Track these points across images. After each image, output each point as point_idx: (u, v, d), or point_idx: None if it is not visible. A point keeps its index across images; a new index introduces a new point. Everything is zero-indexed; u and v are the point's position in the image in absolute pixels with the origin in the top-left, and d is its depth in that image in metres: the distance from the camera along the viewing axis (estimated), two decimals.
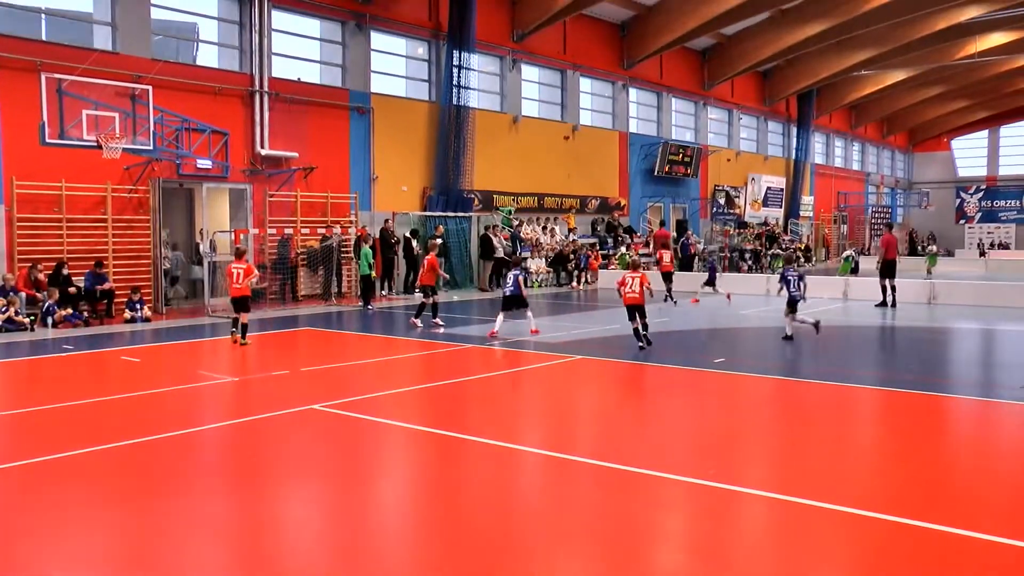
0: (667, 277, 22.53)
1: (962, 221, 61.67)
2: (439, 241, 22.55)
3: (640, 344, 14.12)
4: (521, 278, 16.34)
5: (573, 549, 5.66)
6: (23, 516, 6.26)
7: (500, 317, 15.85)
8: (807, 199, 49.31)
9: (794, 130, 48.10)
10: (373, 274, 22.03)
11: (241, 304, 14.97)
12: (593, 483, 7.14)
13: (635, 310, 14.28)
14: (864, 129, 56.70)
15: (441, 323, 17.59)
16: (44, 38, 19.93)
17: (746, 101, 43.89)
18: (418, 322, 17.40)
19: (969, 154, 63.03)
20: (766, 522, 6.27)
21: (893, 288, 21.48)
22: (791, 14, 35.58)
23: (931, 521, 5.96)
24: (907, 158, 65.17)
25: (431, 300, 17.72)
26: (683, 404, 10.56)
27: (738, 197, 43.47)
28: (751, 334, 17.21)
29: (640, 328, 14.23)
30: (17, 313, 16.89)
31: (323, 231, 23.02)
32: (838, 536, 5.84)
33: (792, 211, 47.56)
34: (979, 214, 61.55)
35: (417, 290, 18.18)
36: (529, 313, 16.12)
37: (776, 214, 46.07)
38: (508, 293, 16.06)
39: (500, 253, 27.48)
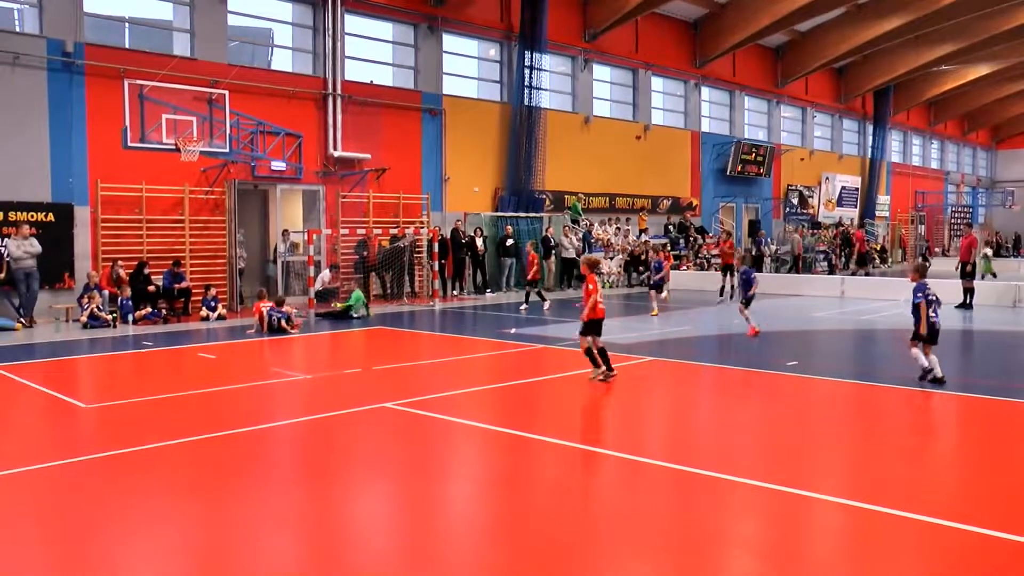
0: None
1: None
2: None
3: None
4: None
5: (643, 552, 5.61)
6: (106, 504, 6.46)
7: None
8: (883, 199, 48.21)
9: (870, 128, 47.08)
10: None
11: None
12: (664, 485, 7.08)
13: None
14: (944, 126, 55.23)
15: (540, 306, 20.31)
16: (127, 46, 20.54)
17: (820, 99, 43.10)
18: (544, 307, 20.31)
19: None
20: (840, 530, 6.11)
21: (970, 290, 20.90)
22: (867, 9, 34.82)
23: (1018, 533, 5.75)
24: (990, 156, 63.28)
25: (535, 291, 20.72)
26: (756, 407, 10.41)
27: (811, 197, 42.72)
28: (825, 336, 16.89)
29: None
30: (99, 309, 17.44)
31: (395, 231, 23.24)
32: (917, 546, 5.67)
33: (867, 211, 46.54)
34: None
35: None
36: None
37: (851, 214, 45.12)
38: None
39: (571, 253, 27.42)
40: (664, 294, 21.31)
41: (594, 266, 11.77)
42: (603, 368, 11.24)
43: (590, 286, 11.26)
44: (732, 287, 22.24)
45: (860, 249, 30.04)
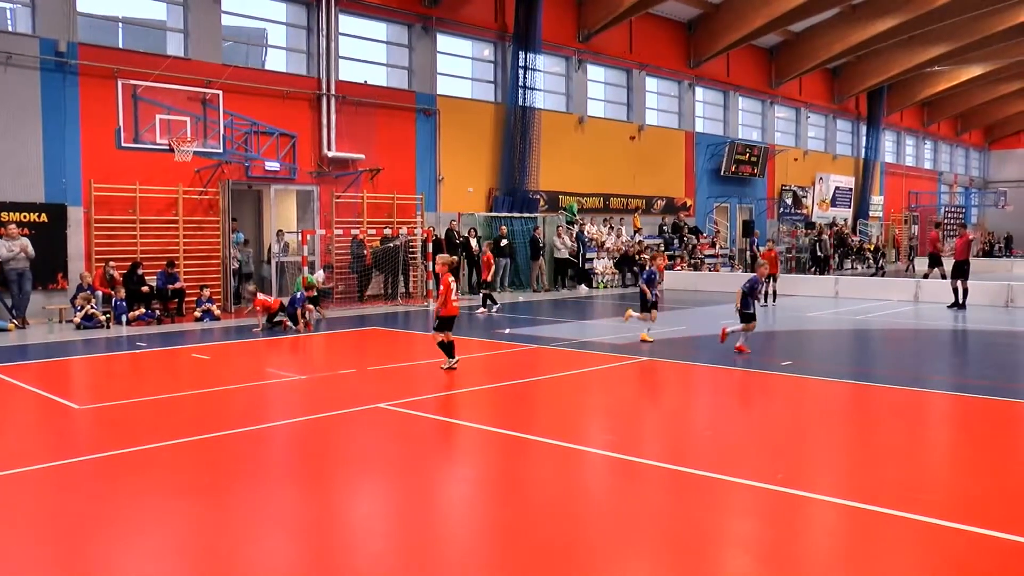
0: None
1: None
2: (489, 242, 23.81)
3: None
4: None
5: (638, 553, 5.60)
6: (100, 506, 6.42)
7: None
8: (877, 199, 48.32)
9: (864, 128, 47.18)
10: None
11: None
12: (659, 486, 7.07)
13: None
14: (937, 127, 55.36)
15: (485, 311, 20.28)
16: (121, 46, 20.49)
17: (814, 99, 43.17)
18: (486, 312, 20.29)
19: None
20: (837, 530, 6.11)
21: (965, 290, 20.97)
22: (861, 9, 34.91)
23: (1014, 533, 5.75)
24: (983, 156, 63.44)
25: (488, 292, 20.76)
26: (750, 407, 10.41)
27: (806, 197, 42.79)
28: (819, 336, 16.90)
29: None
30: (94, 309, 17.40)
31: (388, 231, 23.20)
32: (915, 547, 5.67)
33: (861, 211, 46.63)
34: None
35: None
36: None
37: (845, 214, 45.20)
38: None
39: (564, 253, 27.44)
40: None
41: (450, 267, 12.45)
42: (455, 360, 12.09)
43: (445, 286, 12.00)
44: (774, 292, 22.26)
45: (932, 250, 29.62)
